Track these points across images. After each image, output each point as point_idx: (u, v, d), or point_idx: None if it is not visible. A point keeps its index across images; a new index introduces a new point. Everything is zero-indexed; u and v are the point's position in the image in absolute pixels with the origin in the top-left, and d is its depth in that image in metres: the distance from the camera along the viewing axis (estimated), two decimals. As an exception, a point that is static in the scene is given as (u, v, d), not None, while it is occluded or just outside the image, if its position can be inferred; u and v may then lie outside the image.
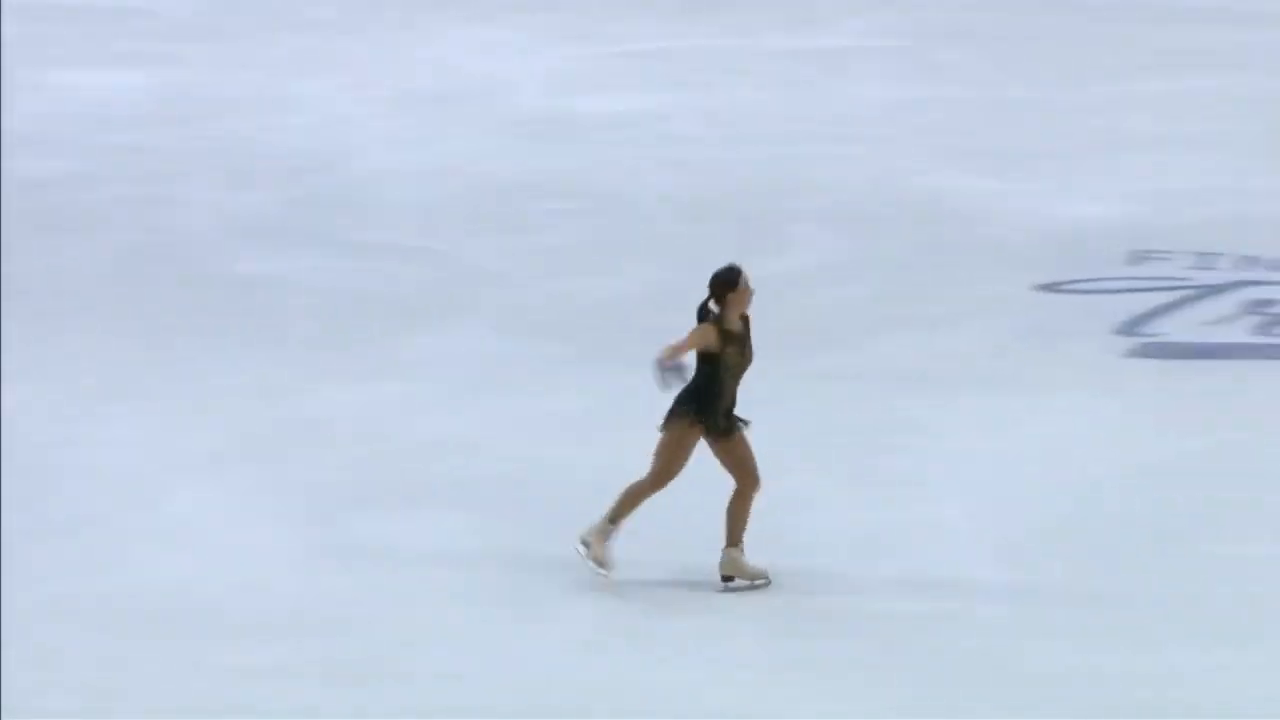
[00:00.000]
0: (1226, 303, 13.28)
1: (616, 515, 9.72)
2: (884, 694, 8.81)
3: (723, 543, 9.68)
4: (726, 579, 9.71)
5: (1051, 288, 13.54)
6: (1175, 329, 12.83)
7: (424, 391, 12.28)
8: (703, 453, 9.63)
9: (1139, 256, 14.03)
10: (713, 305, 9.70)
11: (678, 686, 8.90)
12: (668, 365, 9.57)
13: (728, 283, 9.68)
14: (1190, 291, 13.42)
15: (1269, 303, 13.26)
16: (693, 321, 9.69)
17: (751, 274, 9.69)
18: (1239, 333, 12.82)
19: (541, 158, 16.97)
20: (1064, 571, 9.89)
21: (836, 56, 20.03)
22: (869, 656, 9.14)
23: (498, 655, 9.17)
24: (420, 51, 19.96)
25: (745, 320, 9.69)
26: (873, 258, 14.45)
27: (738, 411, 9.66)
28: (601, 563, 9.68)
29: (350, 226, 15.43)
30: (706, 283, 9.74)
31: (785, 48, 20.36)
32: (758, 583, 9.69)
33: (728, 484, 9.68)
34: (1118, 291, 13.43)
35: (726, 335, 9.61)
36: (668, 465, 9.64)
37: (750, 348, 9.67)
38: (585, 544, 9.70)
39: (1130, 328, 12.82)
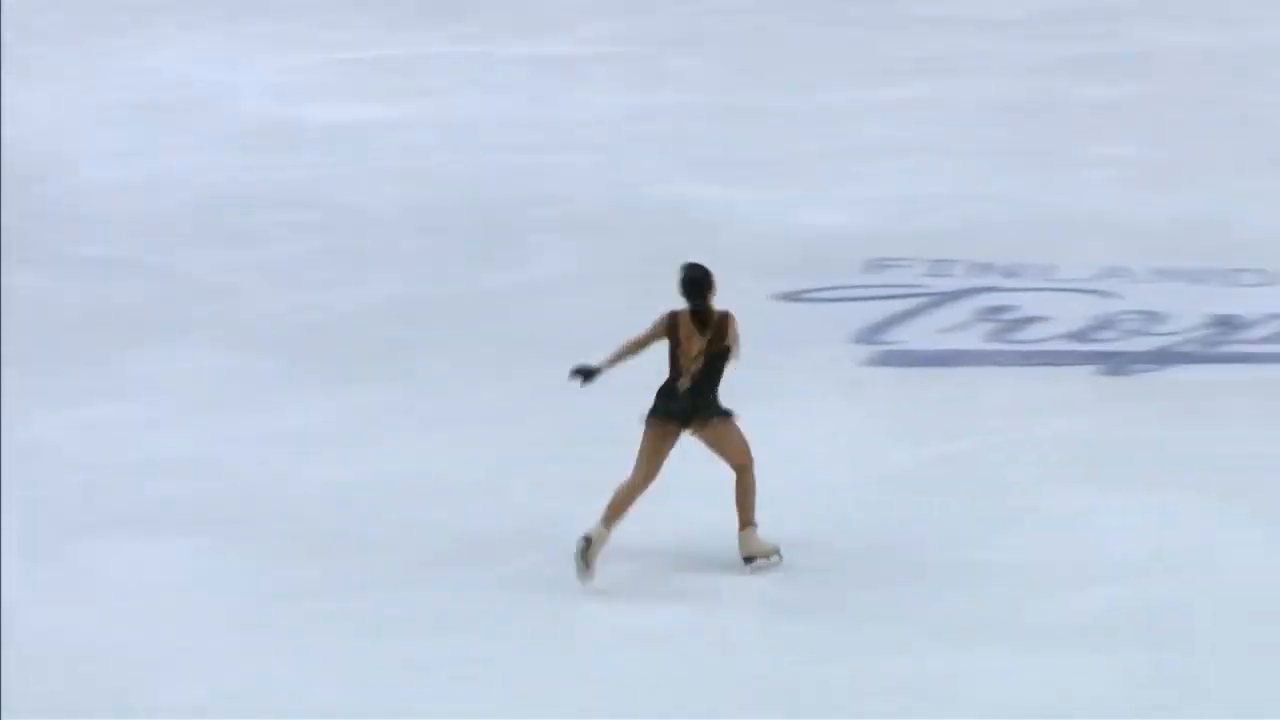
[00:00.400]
0: (961, 310, 13.55)
1: (745, 520, 10.07)
2: (627, 704, 8.86)
3: (603, 523, 9.98)
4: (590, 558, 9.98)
5: (791, 296, 13.71)
6: (912, 336, 13.07)
7: (150, 411, 12.10)
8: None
9: (876, 264, 14.26)
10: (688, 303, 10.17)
11: (428, 706, 8.88)
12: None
13: (710, 278, 10.27)
14: (926, 299, 13.67)
15: (1002, 309, 13.55)
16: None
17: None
18: (973, 339, 13.08)
19: (268, 169, 16.82)
20: (806, 580, 10.02)
21: (571, 64, 20.12)
22: (611, 669, 9.18)
23: (240, 682, 9.06)
24: (139, 60, 19.66)
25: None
26: (612, 267, 14.54)
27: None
28: (769, 552, 10.05)
29: (68, 241, 15.16)
30: (689, 289, 10.22)
31: (519, 55, 20.40)
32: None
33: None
34: (856, 300, 13.64)
35: None
36: (745, 449, 10.07)
37: None
38: (751, 560, 10.01)
39: (868, 336, 13.03)
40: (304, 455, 11.48)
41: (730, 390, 12.15)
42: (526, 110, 18.59)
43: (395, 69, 19.83)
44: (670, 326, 10.30)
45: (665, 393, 10.22)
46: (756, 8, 22.96)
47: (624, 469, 11.21)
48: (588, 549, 9.89)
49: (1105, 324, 13.28)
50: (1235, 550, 10.30)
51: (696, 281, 10.29)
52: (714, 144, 17.57)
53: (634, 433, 11.72)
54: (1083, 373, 12.60)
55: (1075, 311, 13.45)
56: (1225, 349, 12.89)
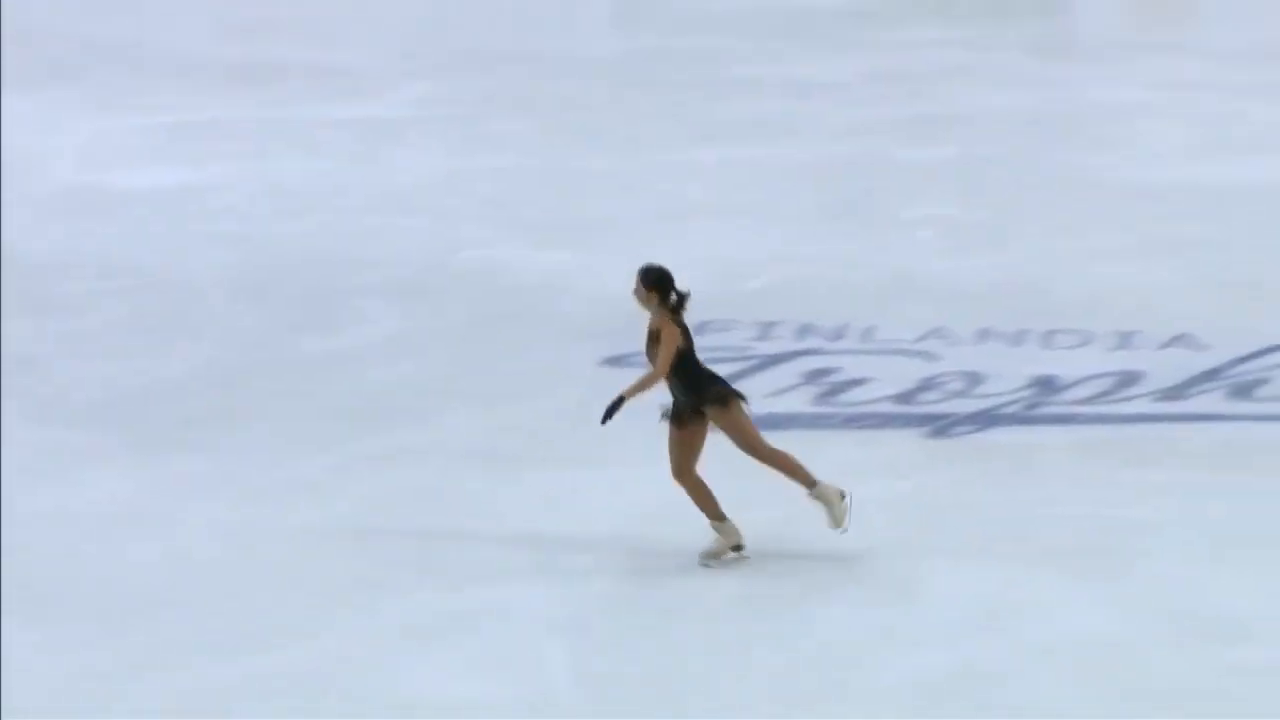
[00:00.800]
0: (787, 373, 13.64)
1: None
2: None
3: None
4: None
5: (618, 361, 13.74)
6: (739, 400, 13.12)
7: (-49, 487, 11.88)
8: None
9: (702, 327, 14.29)
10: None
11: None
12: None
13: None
14: (752, 362, 13.75)
15: (827, 372, 13.65)
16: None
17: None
18: (800, 403, 13.17)
19: (77, 235, 16.63)
20: (632, 642, 10.06)
21: (391, 126, 20.07)
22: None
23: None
24: (-59, 123, 19.40)
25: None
26: (435, 333, 14.51)
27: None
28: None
29: None
30: (669, 282, 10.61)
31: (336, 118, 20.32)
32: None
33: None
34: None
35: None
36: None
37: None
38: (739, 549, 10.68)
39: (695, 400, 13.07)
40: (113, 531, 11.32)
41: (557, 455, 12.19)
42: (345, 173, 18.51)
43: (208, 133, 19.68)
44: (685, 330, 10.64)
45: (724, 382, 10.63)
46: (578, 70, 23.04)
47: (440, 542, 11.17)
48: (838, 503, 10.55)
49: (928, 386, 13.41)
50: (1060, 611, 10.44)
51: (668, 273, 10.64)
52: (538, 206, 17.59)
53: (455, 503, 11.72)
54: (908, 435, 12.72)
55: (899, 374, 13.58)
56: (1045, 410, 13.06)
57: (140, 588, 10.60)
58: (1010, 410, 13.05)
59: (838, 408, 13.10)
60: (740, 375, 13.39)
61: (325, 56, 23.09)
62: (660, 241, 16.35)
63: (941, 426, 12.81)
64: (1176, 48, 24.07)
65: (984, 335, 14.34)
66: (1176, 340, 14.19)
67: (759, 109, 21.23)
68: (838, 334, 14.31)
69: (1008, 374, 13.56)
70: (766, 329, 14.31)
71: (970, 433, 12.76)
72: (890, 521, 11.37)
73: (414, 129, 20.02)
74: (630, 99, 21.39)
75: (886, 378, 13.48)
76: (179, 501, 11.74)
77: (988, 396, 13.24)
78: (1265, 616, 10.28)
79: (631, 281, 10.73)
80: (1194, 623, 10.29)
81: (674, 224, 16.68)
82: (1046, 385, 13.40)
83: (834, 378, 13.55)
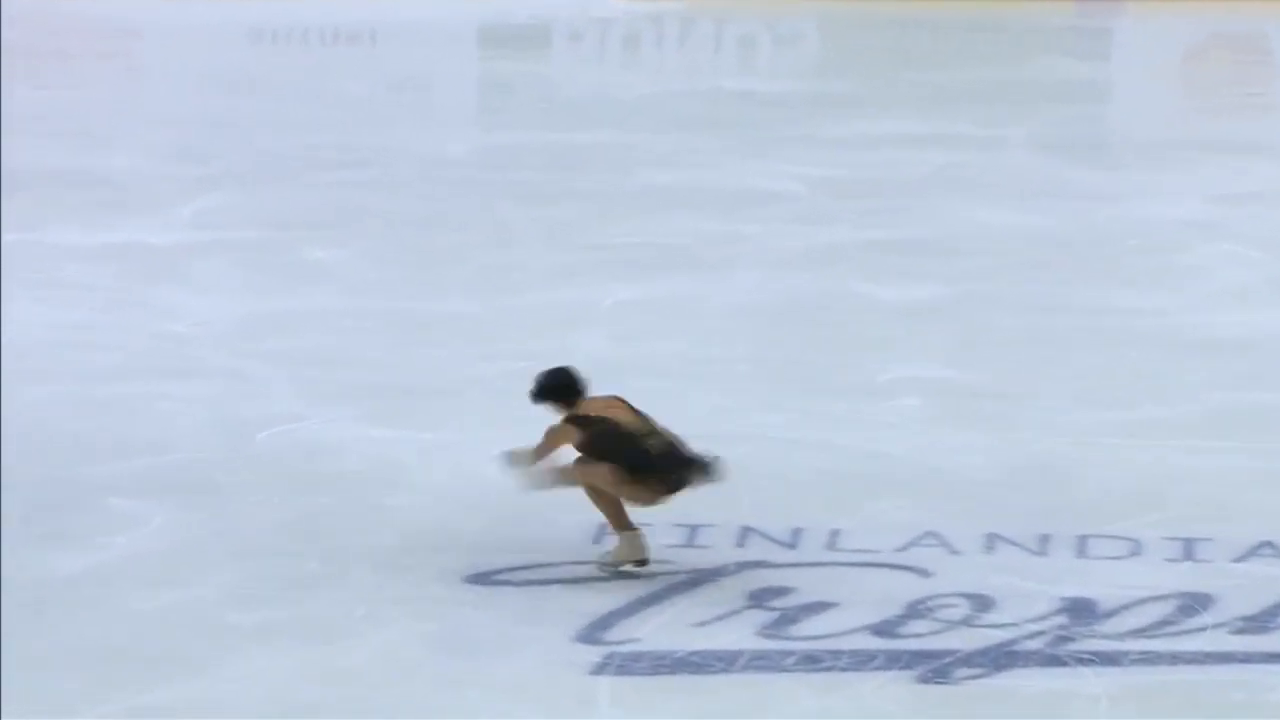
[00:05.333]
0: (723, 593, 13.56)
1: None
2: None
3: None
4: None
5: (485, 578, 13.66)
6: (656, 632, 13.06)
7: None
8: None
9: (603, 531, 14.23)
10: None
11: None
12: None
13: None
14: (676, 579, 13.64)
15: (779, 592, 13.61)
16: None
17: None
18: (741, 635, 13.11)
19: None
20: None
21: (168, 256, 20.09)
22: None
23: None
24: None
25: None
26: (230, 544, 14.39)
27: None
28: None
29: None
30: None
31: (91, 245, 20.35)
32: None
33: None
34: (578, 581, 13.62)
35: None
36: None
37: None
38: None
39: (595, 633, 13.00)
40: None
41: (396, 709, 12.13)
42: (101, 323, 18.47)
43: (-88, 268, 19.68)
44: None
45: None
46: (426, 176, 23.17)
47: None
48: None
49: (918, 612, 13.45)
50: None
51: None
52: (372, 366, 17.56)
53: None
54: (890, 680, 12.72)
55: (877, 595, 13.54)
56: (1078, 647, 13.11)
57: None
58: (1031, 646, 13.09)
59: (793, 642, 13.07)
60: (659, 597, 13.37)
61: (80, 161, 23.14)
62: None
63: (937, 669, 12.83)
64: (1248, 149, 24.47)
65: (992, 542, 14.39)
66: (1258, 550, 14.29)
67: (677, 229, 21.35)
68: (791, 540, 14.32)
69: (1027, 596, 13.58)
70: (692, 533, 14.28)
71: (976, 677, 12.78)
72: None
73: (202, 259, 20.03)
74: (504, 216, 21.51)
75: (859, 601, 13.45)
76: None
77: (1000, 627, 13.26)
78: None
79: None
80: None
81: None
82: (1081, 612, 13.46)
83: (787, 600, 13.51)
